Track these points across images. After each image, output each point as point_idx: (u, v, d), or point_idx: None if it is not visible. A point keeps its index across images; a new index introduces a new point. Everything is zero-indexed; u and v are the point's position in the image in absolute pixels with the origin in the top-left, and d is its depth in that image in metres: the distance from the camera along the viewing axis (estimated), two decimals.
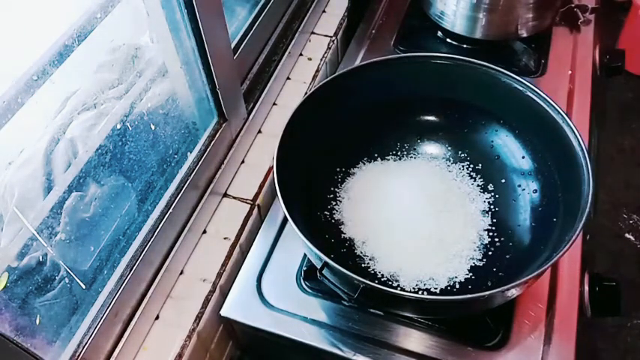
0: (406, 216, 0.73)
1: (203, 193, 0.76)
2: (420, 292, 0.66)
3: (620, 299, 0.71)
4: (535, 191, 0.73)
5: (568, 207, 0.63)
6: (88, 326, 0.59)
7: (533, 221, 0.71)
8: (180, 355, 0.66)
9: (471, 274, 0.68)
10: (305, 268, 0.74)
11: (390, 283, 0.68)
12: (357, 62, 1.00)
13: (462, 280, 0.67)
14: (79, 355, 0.57)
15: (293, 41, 0.95)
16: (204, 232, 0.77)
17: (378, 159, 0.80)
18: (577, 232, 0.56)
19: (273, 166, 0.67)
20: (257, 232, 0.79)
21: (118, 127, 0.64)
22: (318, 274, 0.60)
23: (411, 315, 0.68)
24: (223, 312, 0.71)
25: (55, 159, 0.64)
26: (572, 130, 0.65)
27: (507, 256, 0.69)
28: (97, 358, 0.61)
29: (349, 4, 1.07)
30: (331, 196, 0.77)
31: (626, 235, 1.39)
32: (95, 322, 0.59)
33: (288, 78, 0.96)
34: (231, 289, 0.73)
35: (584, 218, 0.58)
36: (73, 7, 0.53)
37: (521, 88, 0.71)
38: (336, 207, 0.76)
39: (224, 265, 0.74)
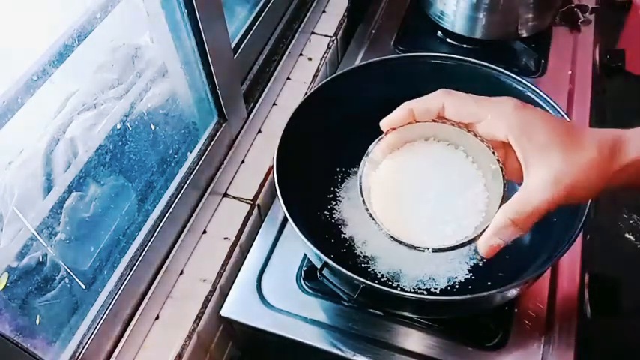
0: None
1: (203, 193, 0.76)
2: (420, 292, 0.66)
3: (620, 299, 0.71)
4: None
5: (568, 207, 0.63)
6: (88, 326, 0.59)
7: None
8: (180, 355, 0.66)
9: (470, 274, 0.68)
10: (305, 268, 0.74)
11: (390, 283, 0.68)
12: (357, 62, 0.99)
13: (462, 280, 0.67)
14: (79, 355, 0.57)
15: (293, 41, 0.95)
16: (204, 232, 0.77)
17: None
18: (577, 232, 0.56)
19: (273, 166, 0.67)
20: (257, 232, 0.79)
21: (118, 127, 0.64)
22: (318, 274, 0.60)
23: (411, 315, 0.68)
24: (223, 312, 0.71)
25: (55, 159, 0.64)
26: None
27: (507, 256, 0.69)
28: (97, 358, 0.61)
29: (349, 4, 1.07)
30: (331, 196, 0.77)
31: (626, 235, 1.39)
32: (95, 322, 0.59)
33: (288, 78, 0.96)
34: (231, 289, 0.73)
35: (584, 218, 0.58)
36: (73, 7, 0.53)
37: (521, 88, 0.70)
38: (336, 207, 0.76)
39: (224, 265, 0.74)
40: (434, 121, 0.48)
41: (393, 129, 0.49)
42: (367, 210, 0.47)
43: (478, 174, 0.47)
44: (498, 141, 0.45)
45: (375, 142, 0.51)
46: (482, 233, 0.43)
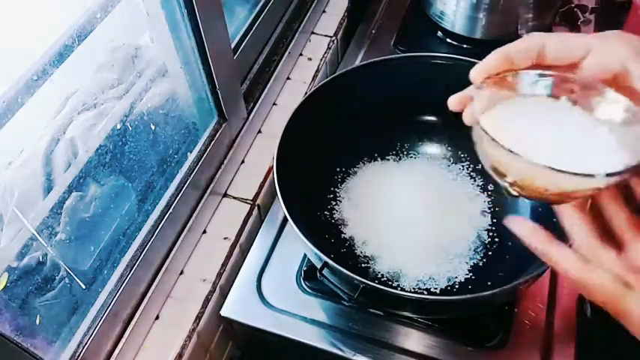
0: (406, 216, 0.73)
1: (203, 193, 0.76)
2: (420, 292, 0.66)
3: None
4: None
5: None
6: (88, 326, 0.59)
7: (534, 221, 0.71)
8: (180, 355, 0.66)
9: (470, 274, 0.68)
10: (305, 268, 0.74)
11: (390, 283, 0.68)
12: (357, 62, 0.99)
13: (462, 280, 0.67)
14: (79, 355, 0.57)
15: (293, 41, 0.95)
16: (204, 232, 0.77)
17: (378, 159, 0.80)
18: None
19: (273, 166, 0.67)
20: (257, 232, 0.79)
21: (118, 127, 0.64)
22: (318, 274, 0.60)
23: (411, 315, 0.68)
24: (223, 312, 0.71)
25: (55, 159, 0.64)
26: None
27: (507, 256, 0.69)
28: (97, 358, 0.61)
29: (349, 4, 1.07)
30: (331, 196, 0.77)
31: None
32: (95, 322, 0.59)
33: (288, 78, 0.96)
34: (231, 289, 0.73)
35: None
36: (73, 7, 0.53)
37: None
38: (336, 207, 0.76)
39: (224, 265, 0.74)
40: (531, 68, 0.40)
41: (488, 78, 0.41)
42: (495, 142, 0.36)
43: (593, 118, 0.40)
44: (608, 73, 0.38)
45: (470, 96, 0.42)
46: None
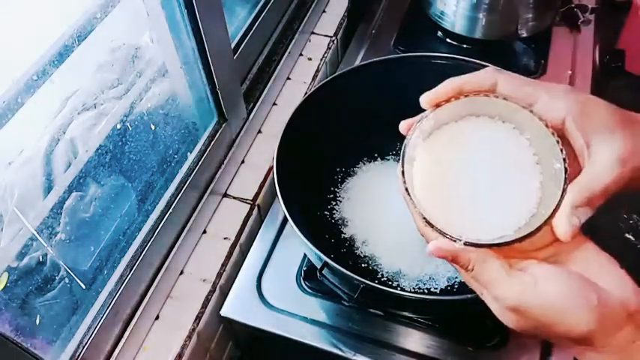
0: (406, 215, 0.73)
1: (203, 193, 0.76)
2: (420, 292, 0.66)
3: None
4: None
5: None
6: (88, 326, 0.59)
7: None
8: (180, 355, 0.66)
9: None
10: (305, 268, 0.74)
11: (390, 283, 0.68)
12: (357, 62, 0.99)
13: (462, 280, 0.67)
14: (79, 355, 0.57)
15: (293, 41, 0.95)
16: (204, 232, 0.77)
17: (378, 159, 0.80)
18: None
19: (273, 166, 0.67)
20: (257, 232, 0.79)
21: (118, 127, 0.64)
22: (318, 274, 0.60)
23: (411, 315, 0.68)
24: (223, 312, 0.71)
25: (55, 159, 0.64)
26: None
27: None
28: (97, 358, 0.61)
29: (349, 4, 1.07)
30: (331, 196, 0.77)
31: (626, 235, 1.39)
32: (95, 322, 0.59)
33: (288, 78, 0.96)
34: (231, 289, 0.73)
35: None
36: (73, 7, 0.53)
37: None
38: (336, 207, 0.76)
39: (224, 265, 0.74)
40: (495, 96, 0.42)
41: (438, 106, 0.44)
42: (405, 185, 0.43)
43: (537, 169, 0.42)
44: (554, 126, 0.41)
45: (419, 119, 0.45)
46: (525, 237, 0.38)
